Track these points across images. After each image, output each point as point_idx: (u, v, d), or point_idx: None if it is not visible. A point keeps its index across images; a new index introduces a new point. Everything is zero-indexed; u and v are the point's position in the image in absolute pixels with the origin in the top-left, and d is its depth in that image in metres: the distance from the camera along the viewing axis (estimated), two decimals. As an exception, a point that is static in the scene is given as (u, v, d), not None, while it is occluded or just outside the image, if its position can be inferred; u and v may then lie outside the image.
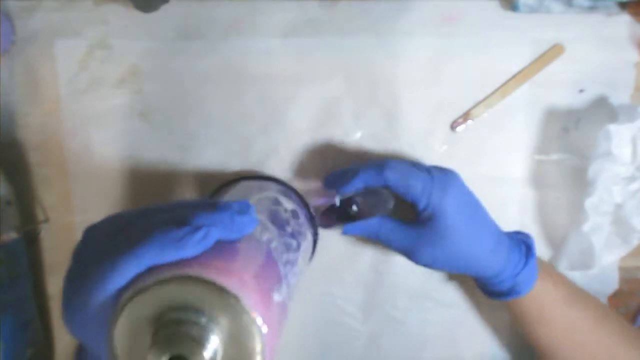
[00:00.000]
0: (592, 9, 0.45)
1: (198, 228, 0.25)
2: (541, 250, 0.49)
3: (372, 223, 0.42)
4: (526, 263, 0.41)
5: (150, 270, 0.25)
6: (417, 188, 0.38)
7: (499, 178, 0.48)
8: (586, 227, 0.45)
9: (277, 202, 0.39)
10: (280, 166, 0.47)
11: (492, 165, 0.48)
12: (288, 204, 0.40)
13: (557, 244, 0.49)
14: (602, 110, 0.45)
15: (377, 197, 0.42)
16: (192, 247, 0.24)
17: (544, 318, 0.42)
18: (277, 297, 0.28)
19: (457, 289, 0.50)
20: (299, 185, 0.46)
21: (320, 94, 0.46)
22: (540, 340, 0.43)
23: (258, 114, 0.47)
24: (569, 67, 0.46)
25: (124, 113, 0.46)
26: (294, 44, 0.46)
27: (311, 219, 0.42)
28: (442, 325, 0.50)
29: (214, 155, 0.47)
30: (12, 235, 0.44)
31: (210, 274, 0.24)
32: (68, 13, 0.45)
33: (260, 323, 0.24)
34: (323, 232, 0.48)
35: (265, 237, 0.32)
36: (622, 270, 0.50)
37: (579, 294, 0.43)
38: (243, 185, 0.42)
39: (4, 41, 0.44)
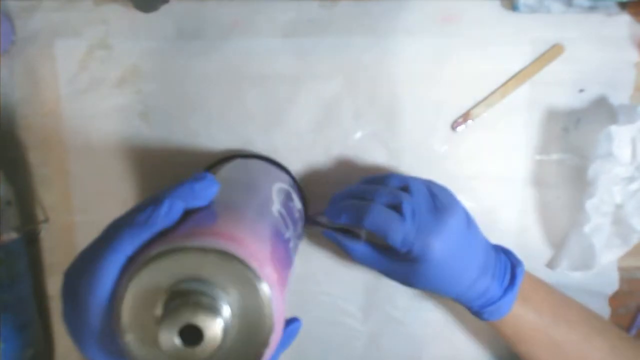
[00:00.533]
0: (592, 9, 0.45)
1: (160, 202, 0.26)
2: (541, 250, 0.49)
3: (349, 243, 0.41)
4: (503, 296, 0.39)
5: (137, 254, 0.25)
6: (396, 238, 0.37)
7: (499, 178, 0.48)
8: (587, 228, 0.45)
9: (290, 198, 0.40)
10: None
11: (492, 165, 0.48)
12: (297, 203, 0.41)
13: (557, 243, 0.49)
14: (602, 110, 0.45)
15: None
16: (161, 221, 0.26)
17: (522, 338, 0.42)
18: (278, 251, 0.29)
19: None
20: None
21: (320, 94, 0.46)
22: (522, 356, 0.43)
23: (258, 114, 0.47)
24: (569, 67, 0.46)
25: (124, 113, 0.46)
26: (294, 44, 0.46)
27: (304, 218, 0.43)
28: (442, 325, 0.50)
29: (214, 155, 0.47)
30: (12, 235, 0.44)
31: (220, 244, 0.24)
32: (68, 13, 0.45)
33: (270, 292, 0.24)
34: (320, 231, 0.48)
35: (277, 215, 0.33)
36: (622, 270, 0.50)
37: (566, 310, 0.43)
38: (257, 164, 0.43)
39: (4, 41, 0.44)
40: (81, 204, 0.48)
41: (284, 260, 0.30)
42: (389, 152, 0.47)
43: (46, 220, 0.47)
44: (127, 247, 0.25)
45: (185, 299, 0.23)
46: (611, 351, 0.42)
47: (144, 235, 0.26)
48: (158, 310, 0.24)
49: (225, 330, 0.23)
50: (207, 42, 0.46)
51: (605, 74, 0.47)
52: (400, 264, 0.39)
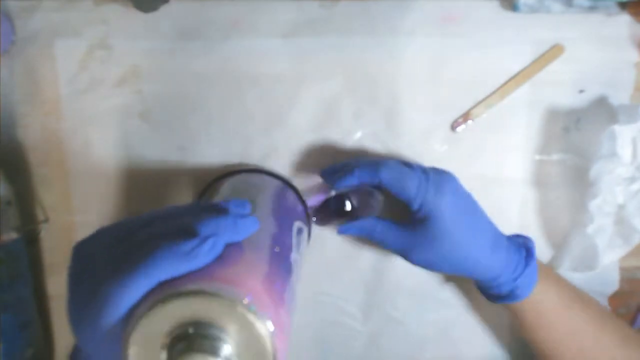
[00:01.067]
0: (592, 9, 0.45)
1: (206, 238, 0.25)
2: (542, 250, 0.49)
3: (367, 224, 0.42)
4: (526, 266, 0.40)
5: (161, 284, 0.25)
6: (411, 188, 0.38)
7: (499, 178, 0.48)
8: (590, 228, 0.44)
9: (302, 233, 0.39)
10: (280, 166, 0.47)
11: (493, 166, 0.48)
12: (305, 235, 0.40)
13: (557, 244, 0.49)
14: (602, 110, 0.45)
15: (369, 197, 0.42)
16: (202, 257, 0.25)
17: (544, 322, 0.42)
18: (287, 297, 0.29)
19: (457, 289, 0.50)
20: (298, 183, 0.46)
21: (320, 94, 0.46)
22: (540, 344, 0.43)
23: (258, 114, 0.47)
24: (569, 67, 0.46)
25: (124, 113, 0.46)
26: (294, 44, 0.46)
27: (307, 217, 0.42)
28: (441, 325, 0.50)
29: (214, 155, 0.47)
30: (12, 235, 0.44)
31: (218, 285, 0.25)
32: (68, 13, 0.45)
33: (271, 329, 0.25)
34: (322, 232, 0.48)
35: (270, 240, 0.32)
36: (623, 270, 0.50)
37: (578, 298, 0.43)
38: (240, 181, 0.42)
39: (4, 41, 0.44)
40: (81, 204, 0.47)
41: (290, 302, 0.30)
42: (389, 152, 0.47)
43: (46, 220, 0.47)
44: (161, 274, 0.24)
45: (187, 343, 0.24)
46: (622, 340, 0.42)
47: (182, 268, 0.25)
48: (163, 355, 0.24)
49: None
50: (207, 42, 0.46)
51: (605, 74, 0.47)
52: (413, 230, 0.39)
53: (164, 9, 0.45)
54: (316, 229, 0.47)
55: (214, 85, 0.46)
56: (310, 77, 0.46)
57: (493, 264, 0.40)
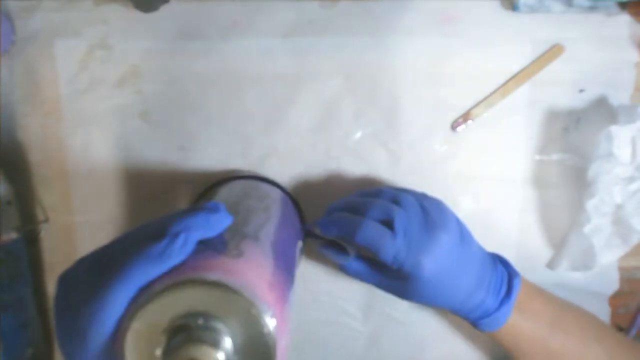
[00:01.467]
0: (592, 9, 0.45)
1: (176, 236, 0.25)
2: (541, 250, 0.49)
3: (347, 262, 0.41)
4: (498, 308, 0.39)
5: (146, 287, 0.24)
6: (387, 254, 0.37)
7: (499, 178, 0.48)
8: (587, 228, 0.45)
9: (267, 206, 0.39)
10: (280, 166, 0.47)
11: (492, 165, 0.48)
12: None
13: (557, 243, 0.49)
14: (602, 110, 0.45)
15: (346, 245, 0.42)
16: (176, 255, 0.25)
17: (520, 349, 0.42)
18: (289, 297, 0.29)
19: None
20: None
21: (320, 94, 0.46)
22: None
23: (258, 114, 0.47)
24: (569, 67, 0.46)
25: (124, 113, 0.46)
26: (294, 44, 0.46)
27: (302, 229, 0.42)
28: (441, 325, 0.50)
29: (214, 155, 0.47)
30: (12, 235, 0.44)
31: (220, 276, 0.24)
32: (68, 13, 0.45)
33: (273, 325, 0.24)
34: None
35: (277, 242, 0.32)
36: (623, 270, 0.50)
37: (562, 319, 0.42)
38: (238, 186, 0.42)
39: (4, 41, 0.44)
40: (81, 204, 0.48)
41: (291, 304, 0.30)
42: (389, 152, 0.47)
43: (46, 220, 0.47)
44: (138, 280, 0.24)
45: (187, 334, 0.23)
46: (608, 358, 0.42)
47: (158, 269, 0.25)
48: (160, 347, 0.24)
49: None
50: (207, 42, 0.46)
51: (605, 74, 0.46)
52: (393, 279, 0.39)
53: (164, 9, 0.45)
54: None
55: (214, 85, 0.46)
56: (310, 77, 0.46)
57: (467, 304, 0.39)
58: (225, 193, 0.39)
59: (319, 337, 0.50)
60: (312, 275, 0.49)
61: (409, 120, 0.47)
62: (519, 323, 0.41)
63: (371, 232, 0.37)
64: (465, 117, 0.47)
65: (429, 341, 0.51)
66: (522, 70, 0.46)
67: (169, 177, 0.47)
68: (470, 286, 0.39)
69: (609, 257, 0.46)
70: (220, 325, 0.24)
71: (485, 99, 0.47)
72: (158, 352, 0.24)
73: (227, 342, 0.24)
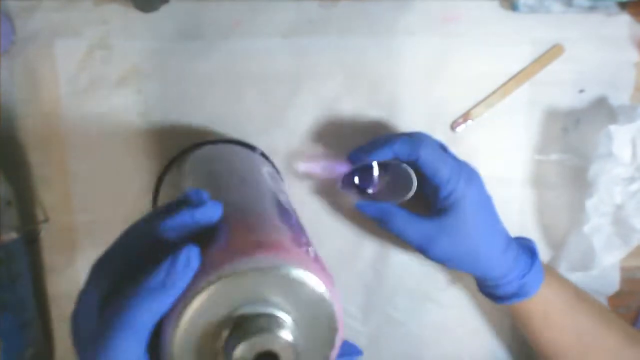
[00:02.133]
0: (592, 9, 0.45)
1: (176, 258, 0.21)
2: (541, 250, 0.49)
3: (387, 209, 0.41)
4: (532, 265, 0.41)
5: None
6: (445, 173, 0.38)
7: (499, 178, 0.48)
8: (587, 228, 0.45)
9: (278, 179, 0.38)
10: (280, 166, 0.47)
11: (492, 166, 0.48)
12: (266, 167, 0.39)
13: (556, 244, 0.49)
14: (601, 110, 0.45)
15: (398, 178, 0.40)
16: (181, 279, 0.21)
17: (550, 322, 0.42)
18: (304, 239, 0.27)
19: (457, 290, 0.50)
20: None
21: (320, 94, 0.46)
22: (546, 345, 0.43)
23: (258, 114, 0.47)
24: (569, 67, 0.46)
25: (124, 113, 0.46)
26: (294, 44, 0.46)
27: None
28: (442, 325, 0.50)
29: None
30: (12, 235, 0.44)
31: (269, 259, 0.22)
32: (68, 13, 0.45)
33: (329, 294, 0.23)
34: (322, 233, 0.48)
35: (265, 192, 0.31)
36: (623, 270, 0.50)
37: (582, 297, 0.43)
38: (232, 150, 0.40)
39: (4, 41, 0.44)
40: (81, 204, 0.47)
41: (321, 260, 0.28)
42: (389, 152, 0.47)
43: (46, 220, 0.47)
44: (147, 321, 0.21)
45: (249, 325, 0.22)
46: (626, 340, 0.42)
47: (166, 301, 0.21)
48: (219, 345, 0.22)
49: (297, 343, 0.22)
50: (207, 42, 0.46)
51: (605, 74, 0.47)
52: (434, 221, 0.39)
53: (164, 9, 0.45)
54: (324, 228, 0.47)
55: (214, 85, 0.46)
56: (310, 77, 0.46)
57: (504, 262, 0.40)
58: (197, 169, 0.36)
59: (319, 337, 0.50)
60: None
61: (408, 120, 0.47)
62: (548, 292, 0.41)
63: (433, 149, 0.38)
64: (465, 117, 0.47)
65: (429, 341, 0.51)
66: (522, 71, 0.46)
67: (169, 176, 0.47)
68: (503, 240, 0.40)
69: (609, 259, 0.46)
70: (278, 310, 0.22)
71: (485, 99, 0.47)
72: (217, 348, 0.22)
73: (289, 322, 0.22)
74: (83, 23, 0.45)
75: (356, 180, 0.42)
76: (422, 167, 0.39)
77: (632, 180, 0.44)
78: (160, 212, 0.24)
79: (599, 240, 0.45)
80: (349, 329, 0.50)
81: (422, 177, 0.40)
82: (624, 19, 0.46)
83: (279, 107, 0.47)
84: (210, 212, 0.24)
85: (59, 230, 0.48)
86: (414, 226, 0.40)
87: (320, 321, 0.23)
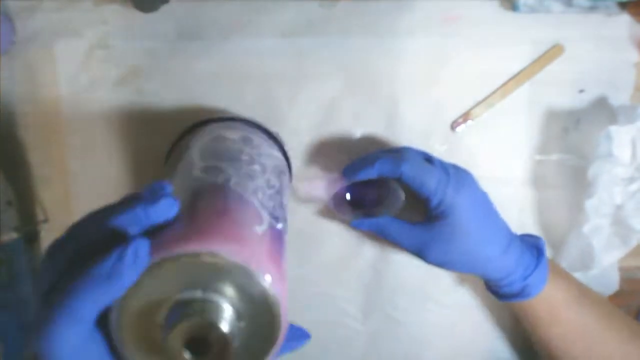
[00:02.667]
0: (592, 9, 0.45)
1: (124, 250, 0.21)
2: (541, 250, 0.49)
3: (381, 221, 0.42)
4: (537, 265, 0.40)
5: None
6: (431, 185, 0.38)
7: (499, 178, 0.48)
8: (586, 228, 0.45)
9: (219, 139, 0.36)
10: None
11: (492, 166, 0.48)
12: (233, 134, 0.37)
13: (556, 244, 0.49)
14: (602, 110, 0.45)
15: (388, 193, 0.42)
16: (129, 273, 0.21)
17: (556, 319, 0.42)
18: (259, 229, 0.27)
19: (457, 289, 0.50)
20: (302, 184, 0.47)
21: (320, 94, 0.46)
22: (551, 342, 0.43)
23: (258, 114, 0.47)
24: (569, 67, 0.46)
25: (124, 113, 0.46)
26: (294, 44, 0.46)
27: (273, 139, 0.41)
28: (442, 325, 0.50)
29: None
30: (12, 235, 0.44)
31: (216, 247, 0.23)
32: (68, 13, 0.45)
33: (269, 280, 0.23)
34: (321, 233, 0.48)
35: (220, 179, 0.30)
36: (623, 270, 0.50)
37: (587, 293, 0.43)
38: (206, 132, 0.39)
39: (4, 41, 0.44)
40: (81, 204, 0.47)
41: (281, 251, 0.28)
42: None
43: (46, 220, 0.47)
44: (89, 310, 0.21)
45: (186, 309, 0.22)
46: (632, 335, 0.42)
47: (111, 292, 0.21)
48: (159, 326, 0.23)
49: (232, 335, 0.22)
50: (207, 42, 0.46)
51: (605, 74, 0.47)
52: (428, 228, 0.40)
53: (164, 9, 0.45)
54: (324, 228, 0.47)
55: (214, 85, 0.46)
56: (310, 77, 0.46)
57: (506, 262, 0.40)
58: (192, 147, 0.36)
59: (319, 338, 0.50)
60: (312, 276, 0.49)
61: (408, 120, 0.47)
62: (554, 290, 0.41)
63: (416, 164, 0.39)
64: (465, 117, 0.47)
65: (429, 341, 0.51)
66: (522, 71, 0.46)
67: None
68: (503, 239, 0.40)
69: (608, 258, 0.46)
70: (219, 298, 0.22)
71: (485, 99, 0.47)
72: (157, 331, 0.23)
73: (228, 311, 0.22)
74: (83, 23, 0.45)
75: (347, 196, 0.44)
76: (407, 182, 0.39)
77: (631, 180, 0.44)
78: (117, 205, 0.24)
79: (598, 240, 0.45)
80: (349, 329, 0.50)
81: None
82: (624, 19, 0.46)
83: (279, 107, 0.47)
84: (164, 210, 0.24)
85: (59, 230, 0.48)
86: (408, 234, 0.41)
87: (263, 316, 0.23)
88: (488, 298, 0.49)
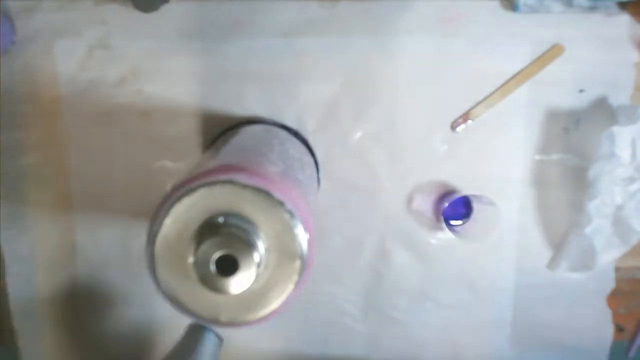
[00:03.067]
0: (592, 9, 0.45)
1: None
2: (541, 250, 0.49)
3: None
4: None
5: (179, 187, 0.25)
6: None
7: (499, 178, 0.48)
8: (588, 229, 0.44)
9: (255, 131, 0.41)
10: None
11: (492, 165, 0.48)
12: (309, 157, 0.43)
13: (556, 243, 0.49)
14: (602, 110, 0.45)
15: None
16: None
17: None
18: (275, 169, 0.30)
19: (457, 289, 0.50)
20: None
21: (320, 94, 0.46)
22: None
23: (258, 114, 0.47)
24: (569, 67, 0.46)
25: (124, 113, 0.46)
26: (294, 44, 0.46)
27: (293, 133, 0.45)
28: (441, 325, 0.50)
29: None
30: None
31: (257, 181, 0.25)
32: (68, 13, 0.45)
33: (305, 233, 0.25)
34: (321, 233, 0.48)
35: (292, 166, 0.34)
36: (622, 270, 0.49)
37: None
38: (252, 130, 0.43)
39: (4, 41, 0.44)
40: (81, 203, 0.47)
41: (308, 202, 0.31)
42: (389, 152, 0.47)
43: None
44: None
45: (221, 231, 0.24)
46: None
47: None
48: (191, 244, 0.24)
49: (259, 264, 0.24)
50: (207, 42, 0.46)
51: (605, 74, 0.46)
52: None
53: (164, 9, 0.45)
54: (324, 227, 0.47)
55: (214, 85, 0.46)
56: (311, 77, 0.46)
57: None
58: (240, 137, 0.40)
59: (319, 337, 0.50)
60: (312, 276, 0.49)
61: (409, 120, 0.47)
62: None
63: None
64: (465, 117, 0.47)
65: (429, 341, 0.51)
66: (522, 71, 0.46)
67: (169, 176, 0.47)
68: None
69: (608, 258, 0.46)
70: (253, 227, 0.24)
71: (485, 99, 0.47)
72: (190, 252, 0.24)
73: (260, 245, 0.24)
74: (83, 23, 0.45)
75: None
76: None
77: (631, 180, 0.44)
78: None
79: (599, 240, 0.45)
80: (349, 329, 0.50)
81: None
82: (624, 19, 0.46)
83: (279, 107, 0.46)
84: None
85: (59, 229, 0.48)
86: None
87: (291, 255, 0.25)
88: (488, 298, 0.49)
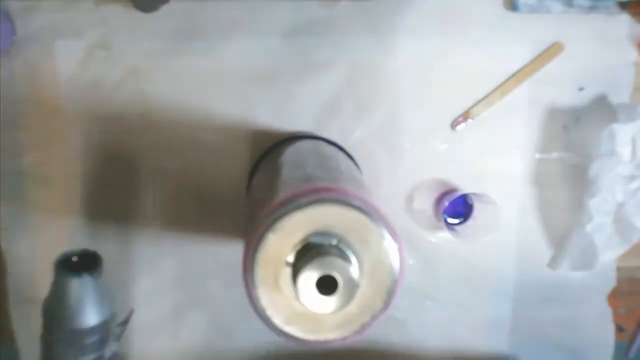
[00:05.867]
0: (592, 8, 0.45)
1: None
2: (542, 249, 0.49)
3: None
4: None
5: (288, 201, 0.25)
6: None
7: (499, 176, 0.48)
8: (589, 227, 0.44)
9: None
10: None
11: (492, 164, 0.48)
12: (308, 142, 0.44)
13: (557, 242, 0.49)
14: (601, 108, 0.45)
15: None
16: None
17: None
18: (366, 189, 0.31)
19: (457, 288, 0.50)
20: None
21: (321, 93, 0.46)
22: None
23: (258, 114, 0.47)
24: (569, 66, 0.46)
25: (125, 113, 0.46)
26: (294, 44, 0.46)
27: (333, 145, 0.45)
28: (441, 324, 0.50)
29: (217, 156, 0.47)
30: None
31: (357, 200, 0.25)
32: (68, 13, 0.45)
33: (400, 251, 0.26)
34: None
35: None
36: (623, 270, 0.49)
37: None
38: (303, 146, 0.43)
39: (4, 41, 0.44)
40: (81, 203, 0.47)
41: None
42: (389, 151, 0.47)
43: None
44: None
45: (320, 250, 0.24)
46: None
47: None
48: (289, 264, 0.25)
49: (357, 282, 0.24)
50: (207, 42, 0.46)
51: (604, 72, 0.47)
52: None
53: (164, 9, 0.45)
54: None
55: (214, 85, 0.46)
56: (311, 76, 0.46)
57: None
58: (293, 151, 0.41)
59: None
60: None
61: (409, 119, 0.47)
62: None
63: None
64: (465, 116, 0.47)
65: (429, 341, 0.51)
66: (521, 69, 0.46)
67: (169, 177, 0.47)
68: None
69: (609, 256, 0.46)
70: (349, 246, 0.25)
71: (485, 98, 0.47)
72: (288, 261, 0.25)
73: (354, 260, 0.25)
74: (83, 23, 0.45)
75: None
76: None
77: (632, 178, 0.44)
78: None
79: (600, 238, 0.45)
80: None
81: None
82: (624, 19, 0.46)
83: (279, 107, 0.47)
84: None
85: (59, 230, 0.48)
86: None
87: (384, 273, 0.26)
88: (488, 296, 0.49)
